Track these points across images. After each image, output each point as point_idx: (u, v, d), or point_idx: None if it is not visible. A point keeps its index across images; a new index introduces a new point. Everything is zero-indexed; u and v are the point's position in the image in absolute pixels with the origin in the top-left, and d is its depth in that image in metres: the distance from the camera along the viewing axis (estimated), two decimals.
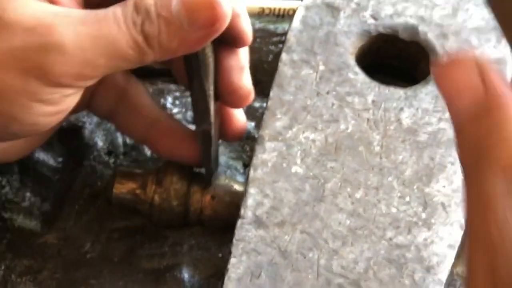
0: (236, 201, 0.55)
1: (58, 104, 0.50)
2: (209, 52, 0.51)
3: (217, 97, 0.54)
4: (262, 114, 0.57)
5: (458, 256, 0.53)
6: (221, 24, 0.50)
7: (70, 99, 0.50)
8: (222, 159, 0.61)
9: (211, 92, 0.52)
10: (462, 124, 0.35)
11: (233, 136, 0.58)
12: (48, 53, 0.48)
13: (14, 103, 0.49)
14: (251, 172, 0.54)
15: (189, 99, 0.63)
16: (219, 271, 0.55)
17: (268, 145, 0.55)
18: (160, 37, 0.50)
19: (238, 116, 0.58)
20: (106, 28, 0.49)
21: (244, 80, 0.55)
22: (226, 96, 0.55)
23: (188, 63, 0.52)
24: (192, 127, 0.59)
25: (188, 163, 0.58)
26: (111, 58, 0.50)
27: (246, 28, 0.54)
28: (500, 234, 0.32)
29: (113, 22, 0.50)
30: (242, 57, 0.55)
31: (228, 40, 0.54)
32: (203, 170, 0.57)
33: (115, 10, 0.49)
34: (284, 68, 0.57)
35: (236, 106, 0.56)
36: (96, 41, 0.49)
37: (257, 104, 0.63)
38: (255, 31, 0.65)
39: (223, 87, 0.55)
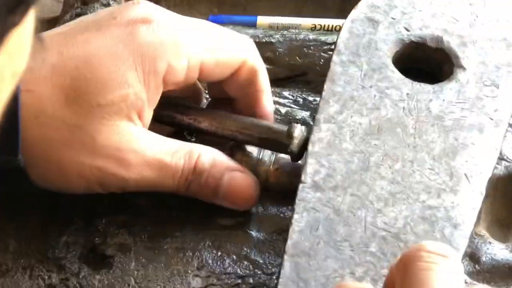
0: (296, 171, 0.55)
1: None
2: None
3: None
4: (316, 105, 0.59)
5: (478, 218, 0.54)
6: (244, 208, 0.56)
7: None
8: None
9: None
10: None
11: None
12: (113, 179, 0.53)
13: (74, 182, 0.54)
14: (310, 147, 0.55)
15: None
16: (280, 228, 0.55)
17: (323, 126, 0.55)
18: (197, 194, 0.55)
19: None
20: (164, 176, 0.54)
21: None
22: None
23: None
24: None
25: None
26: (152, 188, 0.55)
27: (268, 106, 0.58)
28: None
29: (171, 174, 0.54)
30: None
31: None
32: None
33: (178, 165, 0.53)
34: (335, 67, 0.58)
35: None
36: (151, 182, 0.54)
37: (310, 98, 0.64)
38: (309, 41, 0.65)
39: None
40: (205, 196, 0.55)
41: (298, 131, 0.56)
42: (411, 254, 0.41)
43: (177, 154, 0.54)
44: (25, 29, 0.26)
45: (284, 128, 0.56)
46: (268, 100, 0.58)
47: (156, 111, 0.55)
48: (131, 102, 0.52)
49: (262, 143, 0.57)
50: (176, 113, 0.58)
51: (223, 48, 0.56)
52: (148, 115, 0.54)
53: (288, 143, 0.55)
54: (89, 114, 0.52)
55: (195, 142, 0.59)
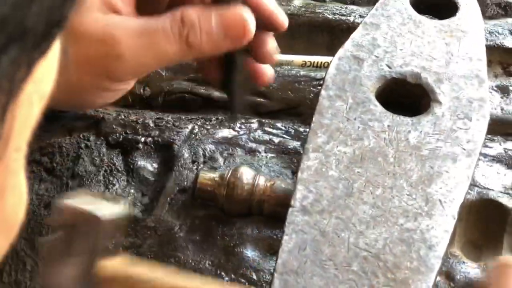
0: (287, 196, 0.56)
1: (119, 90, 0.56)
2: None
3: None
4: (306, 136, 0.59)
5: (452, 239, 0.55)
6: (247, 38, 0.53)
7: (127, 85, 0.56)
8: (276, 168, 0.62)
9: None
10: None
11: (262, 80, 0.59)
12: (113, 61, 0.53)
13: (91, 93, 0.54)
14: (299, 174, 0.56)
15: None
16: (274, 247, 0.56)
17: (312, 155, 0.57)
18: (201, 45, 0.53)
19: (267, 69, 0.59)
20: (157, 39, 0.52)
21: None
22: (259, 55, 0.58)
23: None
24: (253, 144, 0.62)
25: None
26: (160, 61, 0.54)
27: (276, 11, 0.56)
28: None
29: (163, 35, 0.52)
30: (272, 46, 0.58)
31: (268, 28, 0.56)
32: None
33: (165, 24, 0.52)
34: (323, 101, 0.60)
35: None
36: (148, 50, 0.52)
37: (301, 129, 0.65)
38: (300, 76, 0.67)
39: (259, 60, 0.58)
40: (208, 44, 0.54)
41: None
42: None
43: (160, 18, 0.54)
44: (51, 54, 0.26)
45: None
46: None
47: None
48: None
49: None
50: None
51: None
52: (129, 7, 0.55)
53: None
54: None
55: None
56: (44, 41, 0.24)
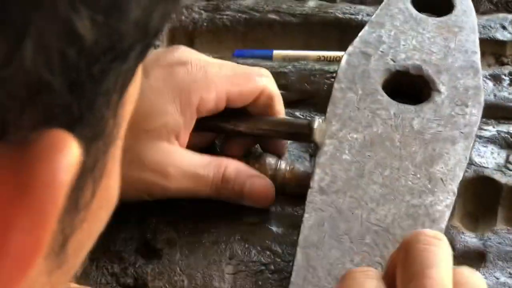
0: (306, 178, 0.57)
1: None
2: None
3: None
4: None
5: (452, 213, 0.55)
6: (267, 205, 0.58)
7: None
8: (295, 152, 0.62)
9: None
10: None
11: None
12: (159, 188, 0.56)
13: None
14: (317, 159, 0.56)
15: None
16: (295, 223, 0.56)
17: (327, 141, 0.57)
18: (226, 196, 0.57)
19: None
20: (199, 185, 0.56)
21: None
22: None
23: None
24: None
25: None
26: (192, 196, 0.57)
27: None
28: None
29: (205, 183, 0.56)
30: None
31: None
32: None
33: (209, 175, 0.56)
34: (336, 93, 0.60)
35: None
36: (188, 190, 0.56)
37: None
38: (315, 70, 0.66)
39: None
40: (233, 198, 0.57)
41: (317, 123, 0.57)
42: (412, 238, 0.41)
43: (208, 167, 0.56)
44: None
45: (305, 122, 0.57)
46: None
47: (203, 122, 0.58)
48: (171, 128, 0.55)
49: (290, 137, 0.59)
50: (220, 122, 0.59)
51: (245, 80, 0.58)
52: (185, 136, 0.57)
53: (310, 133, 0.56)
54: (137, 138, 0.54)
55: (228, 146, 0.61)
56: (150, 47, 0.24)
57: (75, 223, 0.25)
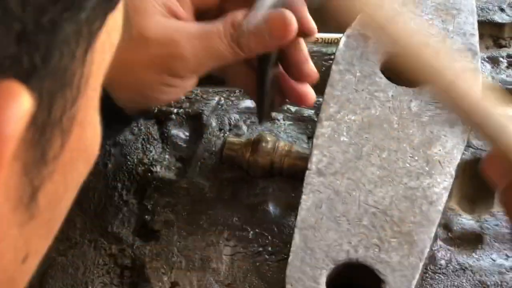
0: (304, 159, 0.56)
1: (181, 86, 0.54)
2: None
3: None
4: (319, 105, 0.59)
5: (450, 195, 0.55)
6: (291, 36, 0.52)
7: (188, 82, 0.54)
8: (293, 133, 0.62)
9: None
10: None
11: (305, 100, 0.58)
12: (174, 60, 0.52)
13: (156, 89, 0.53)
14: (314, 140, 0.56)
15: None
16: (293, 205, 0.56)
17: (325, 123, 0.57)
18: (249, 45, 0.53)
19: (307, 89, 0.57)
20: (213, 41, 0.52)
21: (311, 67, 0.56)
22: (300, 79, 0.56)
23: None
24: None
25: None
26: (216, 60, 0.53)
27: (311, 21, 0.55)
28: None
29: (217, 37, 0.52)
30: (306, 52, 0.56)
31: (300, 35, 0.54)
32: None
33: (219, 27, 0.52)
34: (334, 74, 0.59)
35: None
36: (206, 51, 0.52)
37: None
38: (313, 52, 0.66)
39: (296, 76, 0.56)
40: (256, 43, 0.53)
41: None
42: None
43: (214, 22, 0.54)
44: (118, 9, 0.26)
45: None
46: None
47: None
48: (160, 1, 0.54)
49: None
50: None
51: None
52: (188, 14, 0.55)
53: None
54: (132, 20, 0.52)
55: None
56: None
57: (43, 175, 0.24)
